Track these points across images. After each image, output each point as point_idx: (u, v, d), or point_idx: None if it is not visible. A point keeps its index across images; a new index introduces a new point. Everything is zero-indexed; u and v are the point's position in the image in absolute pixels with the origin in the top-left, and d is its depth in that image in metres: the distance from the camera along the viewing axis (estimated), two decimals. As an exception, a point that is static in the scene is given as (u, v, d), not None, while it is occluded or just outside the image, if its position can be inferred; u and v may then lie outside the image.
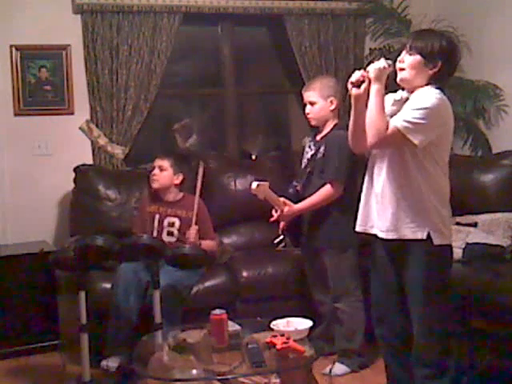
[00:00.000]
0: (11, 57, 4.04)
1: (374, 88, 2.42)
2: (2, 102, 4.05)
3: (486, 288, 3.02)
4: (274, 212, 3.31)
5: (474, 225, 3.59)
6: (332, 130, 3.33)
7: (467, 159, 4.04)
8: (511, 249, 3.44)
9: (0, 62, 4.03)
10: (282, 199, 3.25)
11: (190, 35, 4.57)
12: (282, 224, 3.39)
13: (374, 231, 2.56)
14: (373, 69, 2.42)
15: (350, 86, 2.46)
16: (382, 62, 2.43)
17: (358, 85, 2.44)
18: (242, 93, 4.79)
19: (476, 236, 3.48)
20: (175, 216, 3.66)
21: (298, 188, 3.39)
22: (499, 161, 3.82)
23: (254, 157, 4.71)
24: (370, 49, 4.66)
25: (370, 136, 2.42)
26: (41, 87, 4.11)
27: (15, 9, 4.05)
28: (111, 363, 3.18)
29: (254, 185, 3.09)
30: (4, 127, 4.08)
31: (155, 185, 3.71)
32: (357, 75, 2.44)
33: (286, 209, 3.24)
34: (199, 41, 4.71)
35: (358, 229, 2.65)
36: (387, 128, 2.38)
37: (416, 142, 2.37)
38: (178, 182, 3.73)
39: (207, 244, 3.62)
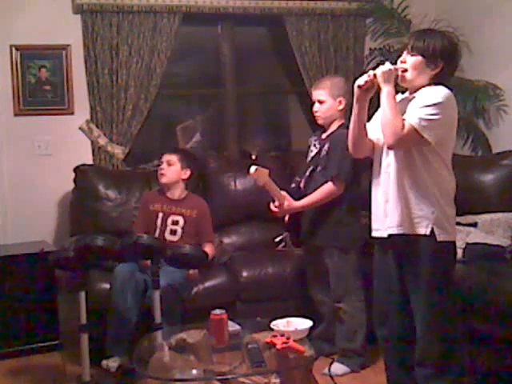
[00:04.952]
0: (11, 57, 4.04)
1: (385, 90, 2.44)
2: (2, 102, 4.05)
3: (486, 288, 3.02)
4: (271, 205, 3.30)
5: (474, 225, 3.59)
6: (337, 129, 3.33)
7: (467, 159, 4.04)
8: (511, 249, 3.44)
9: (0, 61, 4.03)
10: (283, 193, 3.25)
11: (190, 35, 4.56)
12: (286, 219, 3.38)
13: (387, 232, 2.56)
14: (380, 72, 2.44)
15: (356, 89, 2.49)
16: (388, 65, 2.45)
17: (365, 88, 2.47)
18: (242, 93, 4.78)
19: (476, 236, 3.48)
20: (179, 214, 3.65)
21: (301, 184, 3.39)
22: (499, 161, 3.82)
23: (254, 157, 4.70)
24: (370, 49, 4.67)
25: (388, 136, 2.43)
26: (41, 87, 4.11)
27: (15, 9, 4.05)
28: (111, 363, 3.19)
29: (253, 169, 3.05)
30: (4, 127, 4.08)
31: (163, 179, 3.68)
32: (364, 78, 2.46)
33: (285, 203, 3.24)
34: (199, 41, 4.71)
35: (374, 234, 2.65)
36: (403, 127, 2.39)
37: (430, 139, 2.40)
38: (185, 176, 3.71)
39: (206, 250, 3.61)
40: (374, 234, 2.65)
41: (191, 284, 3.49)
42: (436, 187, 2.48)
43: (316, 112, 3.38)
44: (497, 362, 2.98)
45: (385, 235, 2.57)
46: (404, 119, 2.42)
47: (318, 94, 3.37)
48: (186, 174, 3.72)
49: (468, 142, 4.30)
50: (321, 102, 3.35)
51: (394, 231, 2.52)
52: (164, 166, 3.69)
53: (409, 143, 2.44)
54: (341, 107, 3.33)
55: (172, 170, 3.69)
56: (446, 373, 2.52)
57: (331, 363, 3.17)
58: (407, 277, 2.56)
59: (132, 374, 2.98)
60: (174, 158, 3.69)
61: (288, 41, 4.59)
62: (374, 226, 2.65)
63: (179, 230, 3.64)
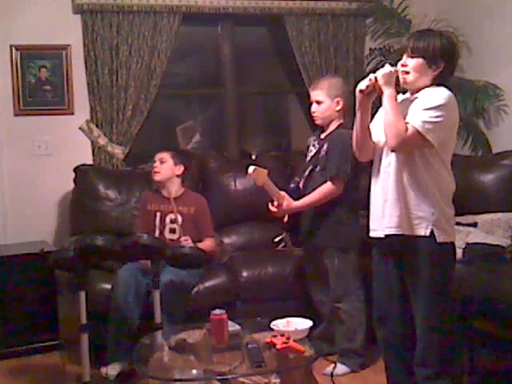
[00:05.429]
0: (11, 57, 4.04)
1: (387, 93, 2.44)
2: (2, 102, 4.06)
3: (486, 288, 3.02)
4: (270, 206, 3.29)
5: (474, 225, 3.59)
6: (336, 129, 3.33)
7: (467, 159, 4.04)
8: (511, 249, 3.44)
9: (0, 61, 4.03)
10: (282, 193, 3.25)
11: (190, 35, 4.57)
12: (285, 219, 3.39)
13: (385, 232, 2.56)
14: (381, 75, 2.44)
15: (358, 94, 2.49)
16: (388, 67, 2.45)
17: (367, 93, 2.47)
18: (242, 93, 4.78)
19: (476, 236, 3.48)
20: (177, 212, 3.66)
21: (300, 184, 3.39)
22: (499, 161, 3.82)
23: (254, 157, 4.70)
24: (370, 49, 4.67)
25: (391, 138, 2.43)
26: (41, 87, 4.11)
27: (15, 9, 4.05)
28: (111, 371, 3.17)
29: (251, 169, 3.04)
30: (4, 127, 4.08)
31: (157, 177, 3.69)
32: (366, 82, 2.46)
33: (284, 203, 3.24)
34: (199, 41, 4.71)
35: (372, 234, 2.64)
36: (406, 130, 2.39)
37: (434, 141, 2.40)
38: (179, 172, 3.72)
39: (204, 244, 3.60)
40: (372, 234, 2.64)
41: (192, 283, 3.49)
42: (436, 188, 2.48)
43: (314, 112, 3.37)
44: (497, 362, 2.98)
45: (382, 236, 2.57)
46: (407, 122, 2.41)
47: (315, 94, 3.36)
48: (180, 169, 3.73)
49: (468, 142, 4.30)
50: (319, 103, 3.34)
51: (392, 232, 2.51)
52: (157, 164, 3.71)
53: (412, 146, 2.43)
54: (339, 107, 3.32)
55: (165, 167, 3.70)
56: (445, 373, 2.52)
57: (334, 366, 3.17)
58: (407, 277, 2.56)
59: (132, 380, 2.99)
60: (165, 155, 3.72)
61: (288, 41, 4.60)
62: (372, 226, 2.64)
63: (178, 228, 3.64)
